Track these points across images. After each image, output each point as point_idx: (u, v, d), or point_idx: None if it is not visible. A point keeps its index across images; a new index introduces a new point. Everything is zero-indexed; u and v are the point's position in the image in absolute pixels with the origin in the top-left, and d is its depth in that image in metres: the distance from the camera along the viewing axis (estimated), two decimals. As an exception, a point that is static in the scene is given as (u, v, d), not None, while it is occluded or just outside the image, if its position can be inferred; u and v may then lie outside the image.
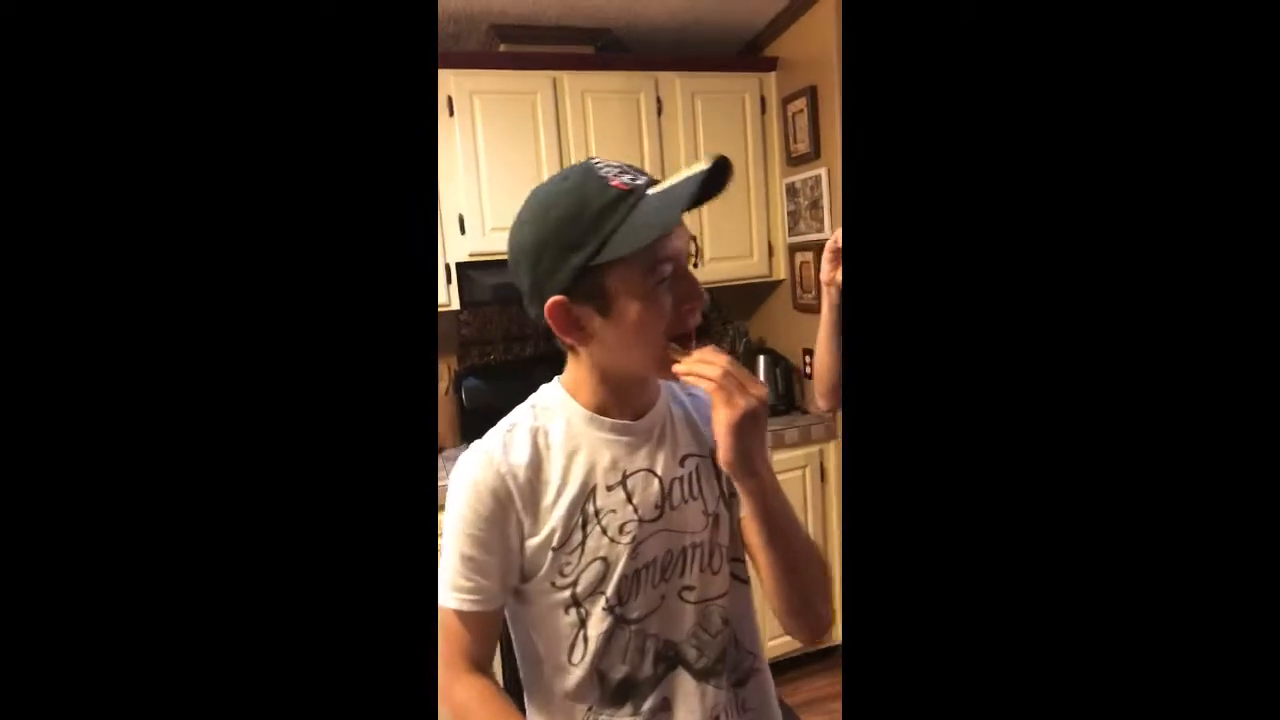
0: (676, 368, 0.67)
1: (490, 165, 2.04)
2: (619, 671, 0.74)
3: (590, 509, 0.72)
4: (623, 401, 0.76)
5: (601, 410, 0.75)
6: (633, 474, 0.74)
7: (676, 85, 2.20)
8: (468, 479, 0.72)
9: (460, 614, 0.73)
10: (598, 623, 0.73)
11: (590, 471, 0.73)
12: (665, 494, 0.75)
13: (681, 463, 0.77)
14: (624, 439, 0.75)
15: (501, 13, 2.07)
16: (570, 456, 0.74)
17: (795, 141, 2.25)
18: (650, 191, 0.65)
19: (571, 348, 0.75)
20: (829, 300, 1.15)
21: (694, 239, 0.71)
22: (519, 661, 0.80)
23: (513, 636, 0.80)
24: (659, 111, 2.20)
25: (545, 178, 2.31)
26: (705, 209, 2.25)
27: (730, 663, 0.79)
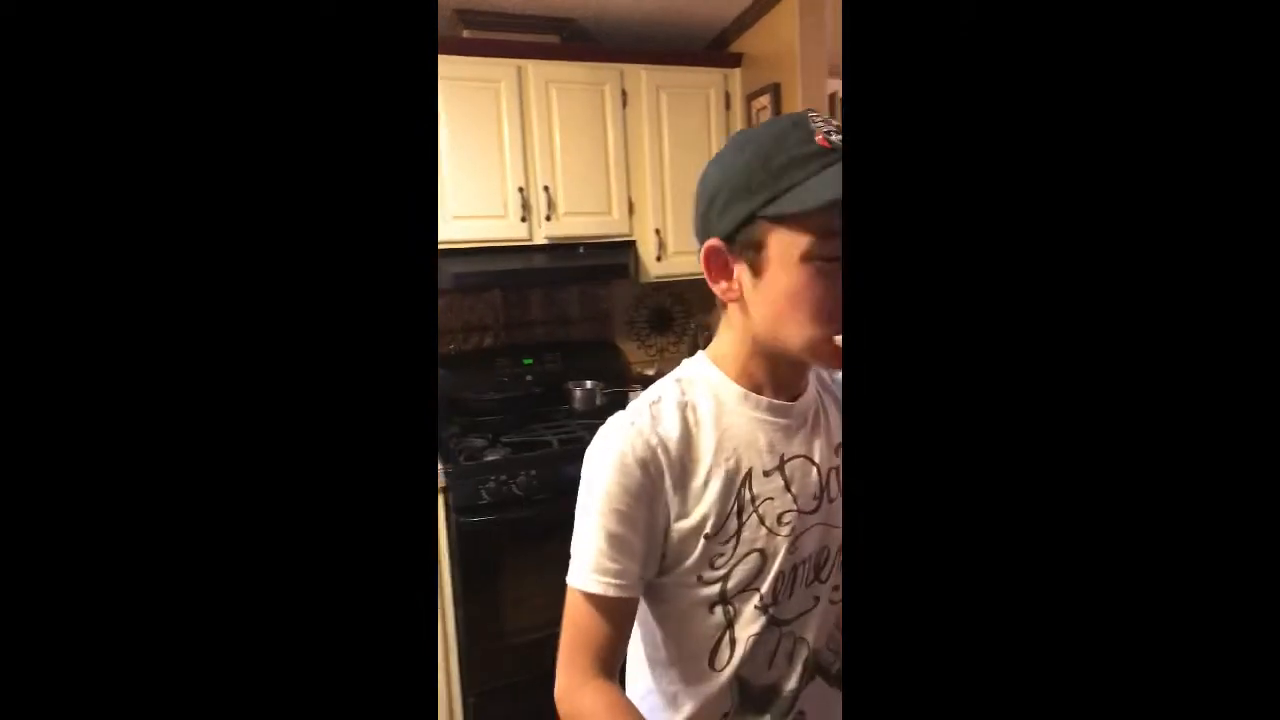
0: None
1: (452, 152, 2.02)
2: (764, 679, 0.67)
3: (747, 494, 0.65)
4: (777, 380, 0.68)
5: (755, 387, 0.67)
6: (791, 459, 0.67)
7: (642, 78, 2.20)
8: (613, 450, 0.64)
9: (597, 601, 0.63)
10: (748, 623, 0.65)
11: (746, 452, 0.65)
12: (824, 484, 0.68)
13: (836, 451, 0.70)
14: (781, 421, 0.67)
15: (466, -2, 2.05)
16: (723, 434, 0.66)
17: (758, 138, 2.27)
18: None
19: (725, 309, 0.67)
20: None
21: None
22: (638, 666, 0.71)
23: (640, 637, 0.71)
24: (624, 104, 2.19)
25: (508, 167, 2.29)
26: (668, 203, 2.26)
27: None
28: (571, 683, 0.63)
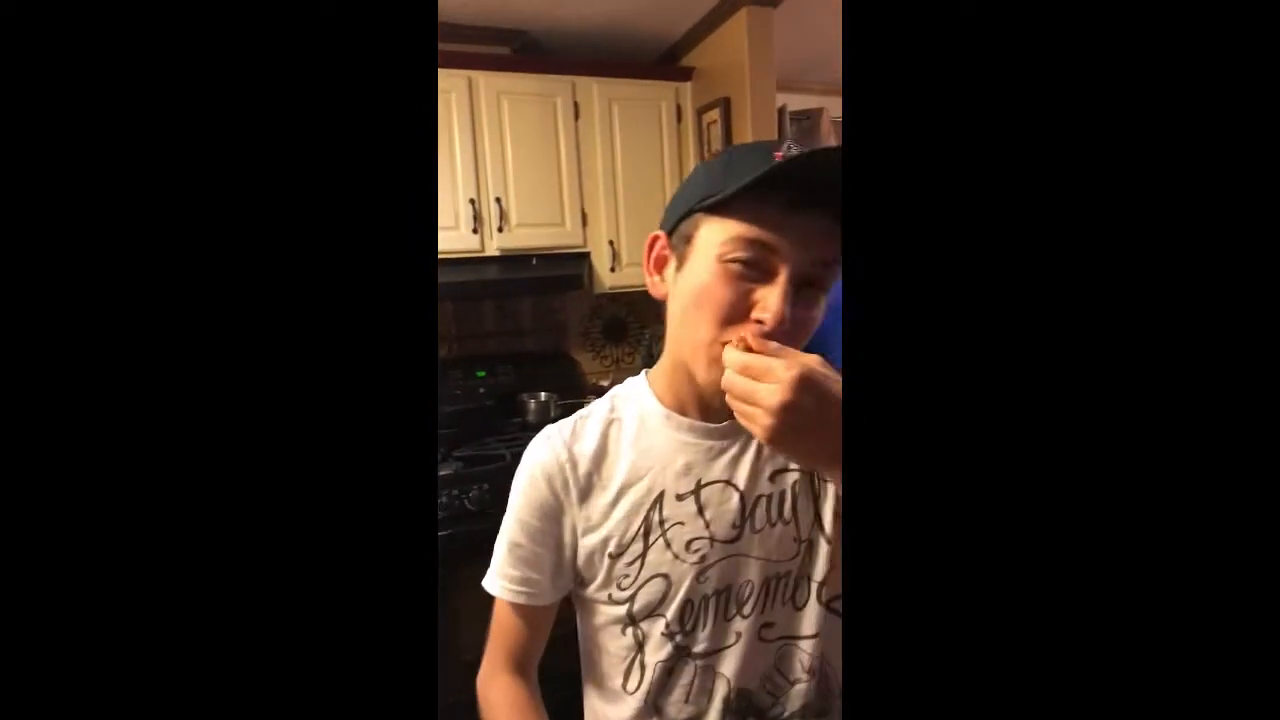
0: (726, 375, 0.54)
1: (402, 163, 1.99)
2: (682, 712, 0.65)
3: (655, 517, 0.63)
4: (704, 401, 0.64)
5: (680, 408, 0.65)
6: (708, 484, 0.64)
7: (594, 90, 2.21)
8: (529, 462, 0.66)
9: (505, 604, 0.68)
10: (656, 649, 0.64)
11: (660, 475, 0.64)
12: (746, 513, 0.64)
13: (771, 479, 0.65)
14: (702, 443, 0.65)
15: (415, 8, 2.03)
16: (640, 455, 0.65)
17: (709, 151, 2.30)
18: None
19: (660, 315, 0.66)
20: None
21: (834, 265, 0.56)
22: (583, 669, 0.72)
23: (579, 642, 0.72)
24: (576, 115, 2.20)
25: (459, 178, 2.27)
26: (621, 215, 2.27)
27: (821, 717, 0.67)
28: (485, 672, 0.70)
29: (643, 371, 0.71)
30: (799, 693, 0.65)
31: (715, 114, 2.23)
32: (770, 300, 0.54)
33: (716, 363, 0.56)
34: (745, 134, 2.13)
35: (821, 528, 0.65)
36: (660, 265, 0.64)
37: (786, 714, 0.65)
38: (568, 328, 2.64)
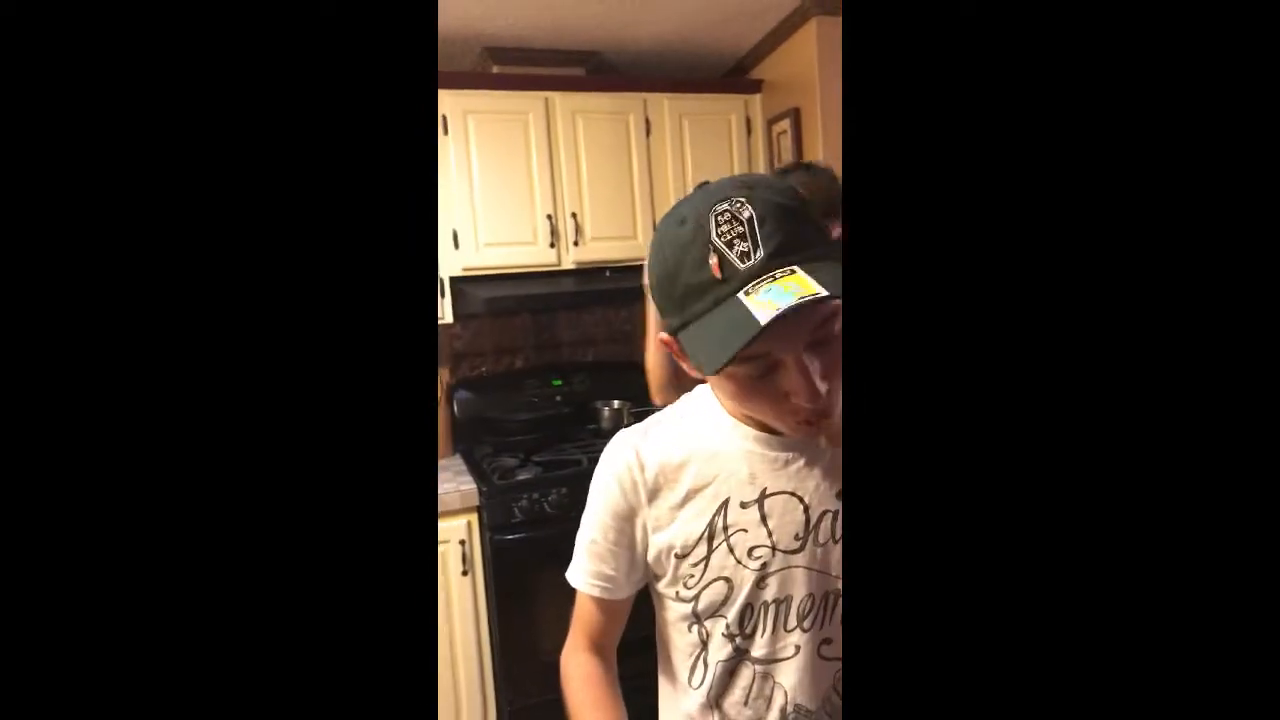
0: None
1: (484, 182, 2.10)
2: (741, 714, 0.67)
3: (719, 522, 0.65)
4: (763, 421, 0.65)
5: (748, 419, 0.67)
6: (773, 494, 0.65)
7: (665, 106, 2.27)
8: (606, 464, 0.71)
9: (584, 595, 0.73)
10: (718, 648, 0.67)
11: (726, 482, 0.66)
12: (810, 526, 0.64)
13: (838, 495, 0.65)
14: (769, 453, 0.66)
15: (495, 35, 2.14)
16: (708, 461, 0.67)
17: (779, 162, 2.32)
18: (742, 296, 0.52)
19: None
20: (650, 301, 1.22)
21: (826, 321, 0.56)
22: (659, 659, 0.76)
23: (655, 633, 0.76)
24: (647, 132, 2.26)
25: (536, 195, 2.36)
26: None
27: None
28: (567, 650, 0.75)
29: (705, 385, 0.71)
30: None
31: (785, 124, 2.25)
32: (795, 385, 0.55)
33: (789, 426, 0.61)
34: (816, 143, 2.15)
35: None
36: (684, 356, 0.61)
37: None
38: (638, 338, 2.69)
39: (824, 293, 0.49)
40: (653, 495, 0.68)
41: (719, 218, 0.54)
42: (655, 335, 1.24)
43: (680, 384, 1.36)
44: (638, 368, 2.64)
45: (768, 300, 0.51)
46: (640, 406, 2.41)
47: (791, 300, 0.50)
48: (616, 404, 2.38)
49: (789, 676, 0.66)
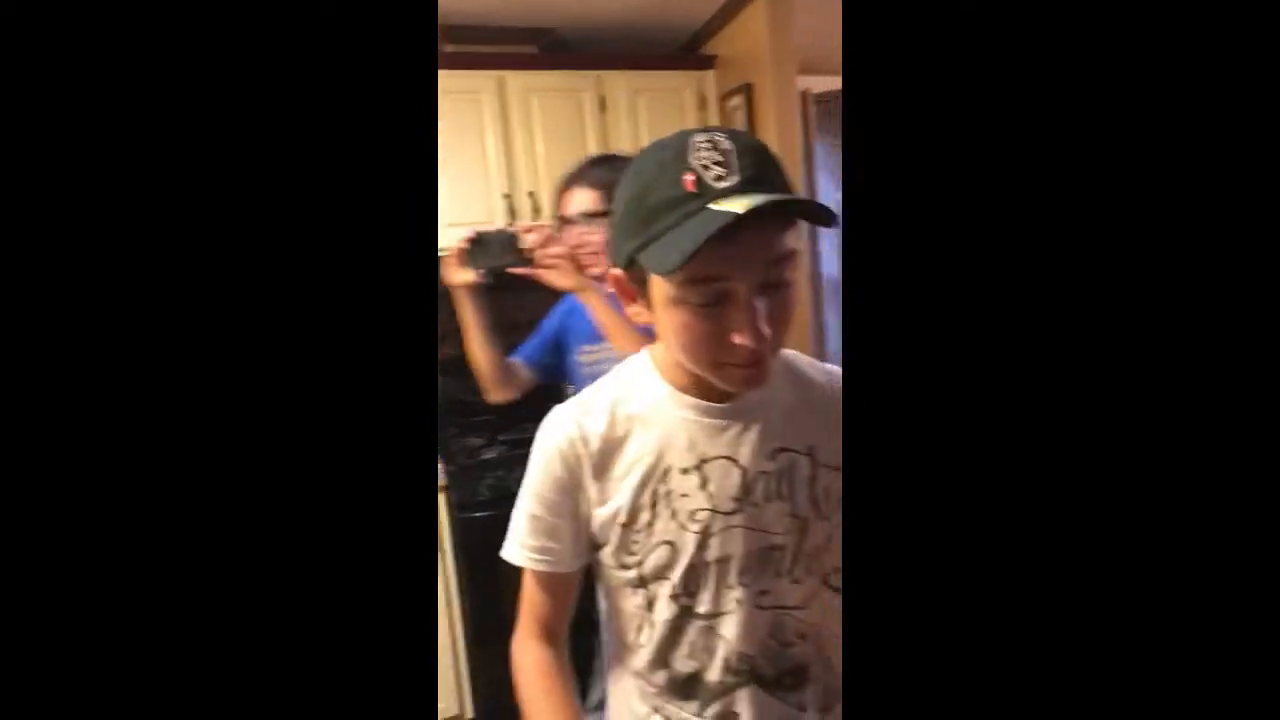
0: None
1: (441, 162, 2.08)
2: (686, 666, 0.71)
3: (661, 490, 0.68)
4: (707, 382, 0.66)
5: (684, 387, 0.69)
6: (711, 460, 0.68)
7: (619, 83, 2.28)
8: (547, 439, 0.71)
9: (528, 573, 0.73)
10: (664, 609, 0.69)
11: (666, 450, 0.68)
12: (747, 487, 0.68)
13: (772, 456, 0.69)
14: (705, 420, 0.68)
15: (447, 13, 2.11)
16: (647, 432, 0.69)
17: (734, 136, 2.34)
18: (712, 205, 0.54)
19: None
20: (463, 299, 1.28)
21: (789, 258, 0.58)
22: (602, 626, 0.79)
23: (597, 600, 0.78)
24: (602, 109, 2.27)
25: (493, 174, 2.34)
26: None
27: (816, 682, 0.72)
28: (518, 640, 0.75)
29: (644, 350, 0.73)
30: (791, 656, 0.71)
31: (739, 100, 2.27)
32: (745, 325, 0.57)
33: (727, 374, 0.62)
34: (768, 119, 2.18)
35: (816, 506, 0.70)
36: (631, 297, 0.65)
37: (779, 675, 0.71)
38: (602, 315, 2.71)
39: (800, 196, 0.52)
40: (598, 468, 0.69)
41: (700, 145, 0.57)
42: (479, 330, 1.32)
43: (511, 381, 1.40)
44: (600, 345, 2.67)
45: (741, 203, 0.53)
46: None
47: (765, 199, 0.52)
48: (580, 381, 2.40)
49: (730, 629, 0.69)
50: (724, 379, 0.63)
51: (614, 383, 0.73)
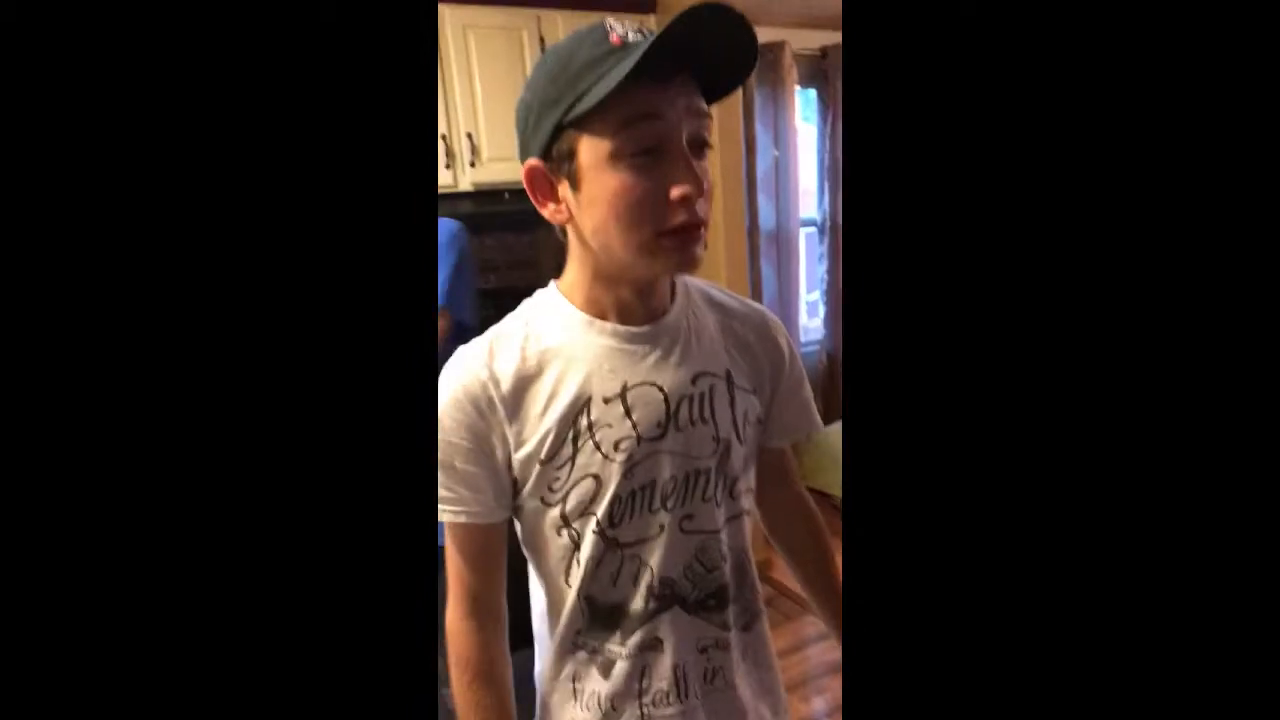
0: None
1: (372, 99, 2.01)
2: (609, 597, 0.69)
3: (583, 422, 0.66)
4: (625, 304, 0.67)
5: (600, 314, 0.67)
6: (635, 387, 0.66)
7: (559, 23, 2.22)
8: (454, 384, 0.66)
9: (454, 532, 0.69)
10: (588, 544, 0.68)
11: (586, 381, 0.66)
12: (671, 413, 0.67)
13: (694, 380, 0.68)
14: (626, 347, 0.67)
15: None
16: (565, 364, 0.66)
17: (675, 83, 2.33)
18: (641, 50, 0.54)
19: (565, 237, 0.68)
20: None
21: (709, 118, 0.60)
22: (530, 571, 0.75)
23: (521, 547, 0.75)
24: (542, 48, 2.22)
25: (430, 113, 2.28)
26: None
27: (736, 602, 0.73)
28: (449, 619, 0.71)
29: (550, 284, 0.72)
30: (714, 579, 0.71)
31: (680, 46, 2.25)
32: (683, 174, 0.57)
33: (663, 252, 0.60)
34: (709, 66, 2.17)
35: (735, 429, 0.70)
36: (548, 193, 0.64)
37: (703, 597, 0.71)
38: (540, 263, 2.70)
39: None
40: (512, 410, 0.66)
41: (611, 24, 0.58)
42: None
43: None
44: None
45: (671, 33, 0.53)
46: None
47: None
48: (518, 328, 2.39)
49: (654, 555, 0.68)
50: (661, 258, 0.61)
51: (521, 318, 0.70)
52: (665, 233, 0.59)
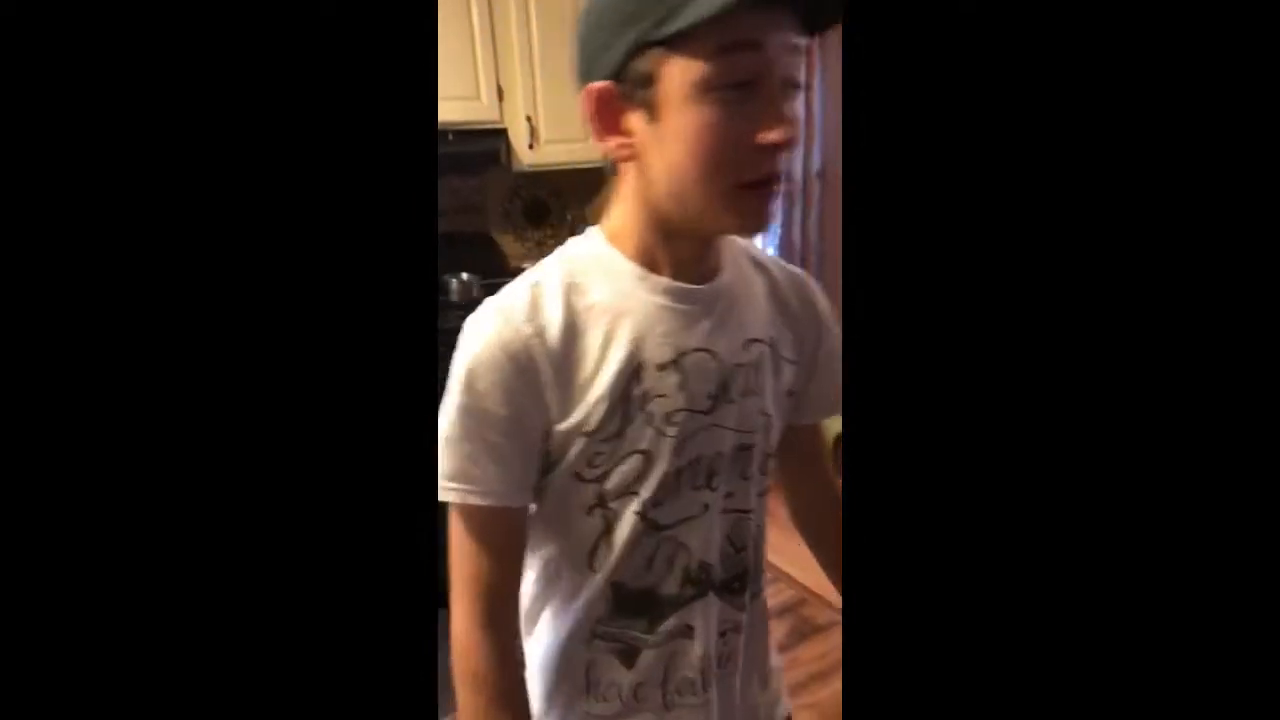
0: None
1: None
2: (640, 582, 0.62)
3: (636, 390, 0.57)
4: (680, 259, 0.59)
5: (653, 267, 0.59)
6: (689, 353, 0.59)
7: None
8: (483, 343, 0.55)
9: (469, 514, 0.58)
10: (625, 527, 0.60)
11: (637, 344, 0.57)
12: (723, 383, 0.60)
13: (746, 347, 0.61)
14: (681, 307, 0.59)
15: None
16: (614, 321, 0.57)
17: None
18: None
19: (616, 176, 0.59)
20: None
21: (804, 56, 0.53)
22: (539, 555, 0.66)
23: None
24: (489, -21, 2.08)
25: (479, 57, 2.12)
26: (539, 88, 2.20)
27: (754, 582, 0.68)
28: (462, 627, 0.59)
29: (591, 229, 0.62)
30: (741, 560, 0.66)
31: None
32: (775, 117, 0.50)
33: (740, 206, 0.53)
34: None
35: (776, 402, 0.65)
36: (614, 123, 0.54)
37: (729, 579, 0.66)
38: (487, 208, 2.60)
39: None
40: (559, 372, 0.56)
41: None
42: None
43: None
44: (486, 240, 2.57)
45: None
46: (491, 279, 2.37)
47: None
48: (466, 276, 2.32)
49: (693, 536, 0.62)
50: (734, 213, 0.54)
51: (557, 268, 0.59)
52: (746, 185, 0.52)
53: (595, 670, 0.65)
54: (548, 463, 0.59)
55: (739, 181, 0.52)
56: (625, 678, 0.64)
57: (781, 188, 0.53)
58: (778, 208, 0.47)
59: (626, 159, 0.55)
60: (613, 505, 0.59)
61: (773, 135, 0.50)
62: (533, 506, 0.62)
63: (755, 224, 0.56)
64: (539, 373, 0.55)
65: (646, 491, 0.59)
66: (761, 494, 0.67)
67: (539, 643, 0.67)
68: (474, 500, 0.56)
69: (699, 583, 0.64)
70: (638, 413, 0.58)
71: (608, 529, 0.60)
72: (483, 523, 0.58)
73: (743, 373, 0.61)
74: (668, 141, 0.52)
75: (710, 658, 0.66)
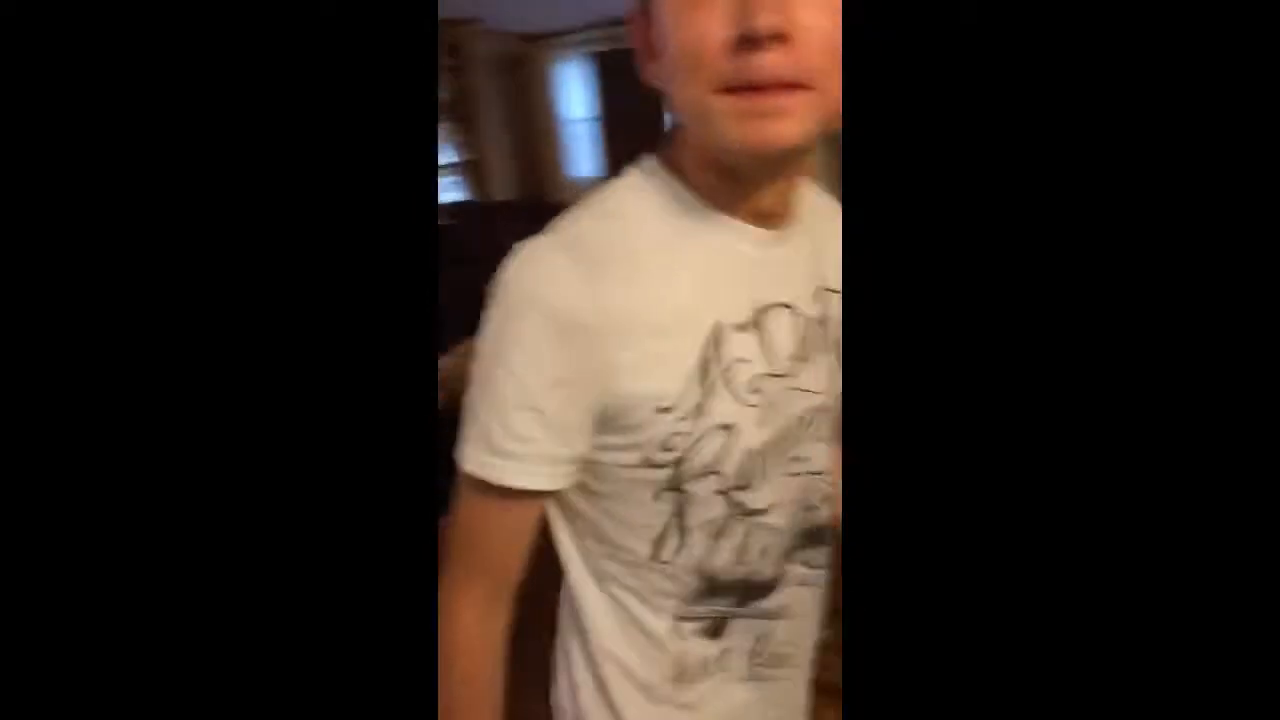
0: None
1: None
2: (734, 573, 0.55)
3: (713, 356, 0.48)
4: (746, 193, 0.49)
5: (725, 208, 0.49)
6: (768, 309, 0.51)
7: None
8: (525, 298, 0.46)
9: (498, 492, 0.48)
10: (704, 509, 0.51)
11: (712, 300, 0.49)
12: (801, 339, 0.53)
13: (817, 297, 0.54)
14: (757, 254, 0.50)
15: None
16: (687, 270, 0.48)
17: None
18: None
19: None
20: None
21: None
22: (584, 543, 0.57)
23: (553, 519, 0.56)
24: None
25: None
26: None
27: (824, 537, 0.61)
28: (452, 591, 0.51)
29: (649, 158, 0.51)
30: (814, 517, 0.59)
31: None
32: (744, 5, 0.39)
33: (721, 118, 0.42)
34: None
35: (840, 355, 0.57)
36: (649, 48, 0.47)
37: (804, 544, 0.59)
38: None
39: None
40: (620, 326, 0.46)
41: None
42: None
43: None
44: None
45: None
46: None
47: None
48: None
49: (785, 517, 0.55)
50: (718, 126, 0.43)
51: (617, 204, 0.50)
52: (723, 91, 0.42)
53: (684, 660, 0.57)
54: (598, 441, 0.50)
55: (717, 86, 0.42)
56: (711, 649, 0.57)
57: (783, 97, 0.42)
58: (787, 121, 0.42)
59: (659, 82, 0.47)
60: (689, 486, 0.50)
61: (745, 26, 0.39)
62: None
63: (751, 137, 0.43)
64: (593, 333, 0.46)
65: (731, 469, 0.50)
66: (834, 453, 0.60)
67: (575, 651, 0.60)
68: (504, 478, 0.48)
69: (788, 557, 0.57)
70: (720, 383, 0.49)
71: (678, 513, 0.51)
72: (509, 505, 0.49)
73: (816, 327, 0.54)
74: (664, 43, 0.44)
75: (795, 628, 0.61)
